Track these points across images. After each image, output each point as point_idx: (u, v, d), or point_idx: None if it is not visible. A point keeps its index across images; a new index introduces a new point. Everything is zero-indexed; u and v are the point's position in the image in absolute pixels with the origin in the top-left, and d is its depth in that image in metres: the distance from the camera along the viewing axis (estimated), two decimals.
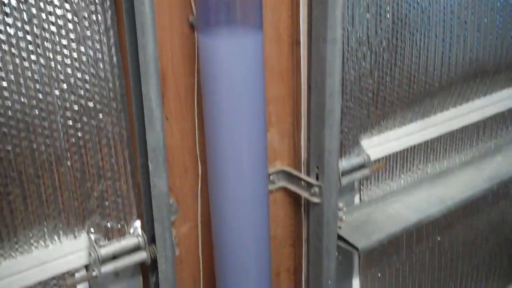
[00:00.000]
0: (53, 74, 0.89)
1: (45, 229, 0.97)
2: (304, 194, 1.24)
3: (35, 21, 0.85)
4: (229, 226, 1.14)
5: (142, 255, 1.04)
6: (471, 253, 1.66)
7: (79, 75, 0.91)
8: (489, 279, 1.78)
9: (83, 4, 0.88)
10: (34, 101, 0.88)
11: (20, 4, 0.83)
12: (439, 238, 1.55)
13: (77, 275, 1.01)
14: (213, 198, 1.15)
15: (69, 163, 0.96)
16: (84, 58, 0.91)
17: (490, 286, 1.81)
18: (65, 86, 0.90)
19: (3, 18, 0.83)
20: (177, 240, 1.13)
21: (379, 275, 1.45)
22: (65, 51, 0.89)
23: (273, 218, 1.30)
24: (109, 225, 1.02)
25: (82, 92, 0.92)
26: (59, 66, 0.89)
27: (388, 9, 1.21)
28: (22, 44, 0.85)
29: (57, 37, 0.87)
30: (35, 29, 0.85)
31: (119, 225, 1.03)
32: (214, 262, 1.20)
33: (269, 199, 1.22)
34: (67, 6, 0.87)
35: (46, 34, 0.86)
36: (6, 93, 0.86)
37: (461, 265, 1.65)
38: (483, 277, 1.75)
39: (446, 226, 1.56)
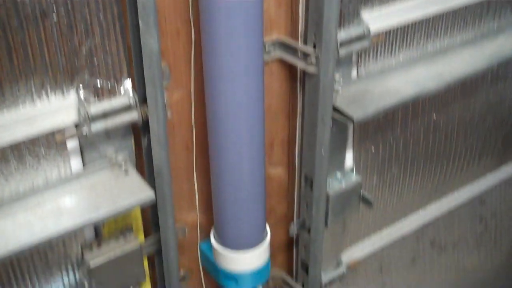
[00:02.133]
0: None
1: (32, 84, 0.94)
2: (300, 64, 1.21)
3: None
4: (222, 95, 1.12)
5: (133, 115, 1.02)
6: (466, 132, 1.66)
7: None
8: (482, 158, 1.79)
9: None
10: None
11: None
12: (435, 116, 1.53)
13: (66, 132, 1.00)
14: (207, 65, 1.11)
15: (55, 17, 0.92)
16: None
17: (482, 166, 1.82)
18: None
19: None
20: (169, 102, 1.12)
21: (373, 149, 1.45)
22: None
23: (268, 89, 1.27)
24: (98, 83, 0.99)
25: None
26: None
27: None
28: None
29: None
30: None
31: (109, 84, 1.00)
32: (207, 131, 1.19)
33: (264, 70, 1.19)
34: None
35: None
36: None
37: (455, 144, 1.65)
38: (476, 157, 1.76)
39: (443, 104, 1.54)
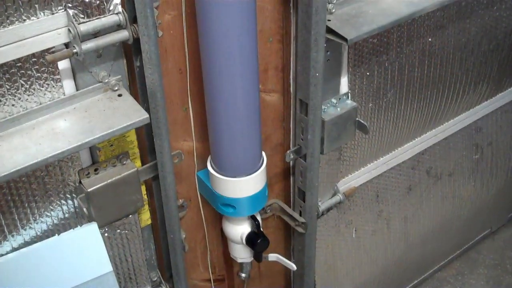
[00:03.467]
0: None
1: (20, 2, 0.92)
2: None
3: None
4: (214, 17, 1.10)
5: (124, 34, 1.01)
6: (461, 57, 1.65)
7: None
8: (478, 85, 1.78)
9: None
10: None
11: None
12: (430, 39, 1.52)
13: (57, 51, 0.98)
14: None
15: None
16: None
17: (478, 93, 1.82)
18: None
19: None
20: (161, 21, 1.10)
21: (368, 73, 1.44)
22: None
23: (260, 11, 1.25)
24: (87, 0, 0.97)
25: None
26: None
27: None
28: None
29: None
30: None
31: (97, 1, 0.98)
32: (200, 55, 1.18)
33: None
34: None
35: None
36: None
37: (451, 69, 1.64)
38: (472, 83, 1.75)
39: (438, 27, 1.52)
